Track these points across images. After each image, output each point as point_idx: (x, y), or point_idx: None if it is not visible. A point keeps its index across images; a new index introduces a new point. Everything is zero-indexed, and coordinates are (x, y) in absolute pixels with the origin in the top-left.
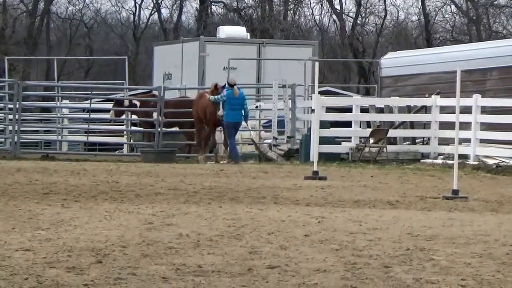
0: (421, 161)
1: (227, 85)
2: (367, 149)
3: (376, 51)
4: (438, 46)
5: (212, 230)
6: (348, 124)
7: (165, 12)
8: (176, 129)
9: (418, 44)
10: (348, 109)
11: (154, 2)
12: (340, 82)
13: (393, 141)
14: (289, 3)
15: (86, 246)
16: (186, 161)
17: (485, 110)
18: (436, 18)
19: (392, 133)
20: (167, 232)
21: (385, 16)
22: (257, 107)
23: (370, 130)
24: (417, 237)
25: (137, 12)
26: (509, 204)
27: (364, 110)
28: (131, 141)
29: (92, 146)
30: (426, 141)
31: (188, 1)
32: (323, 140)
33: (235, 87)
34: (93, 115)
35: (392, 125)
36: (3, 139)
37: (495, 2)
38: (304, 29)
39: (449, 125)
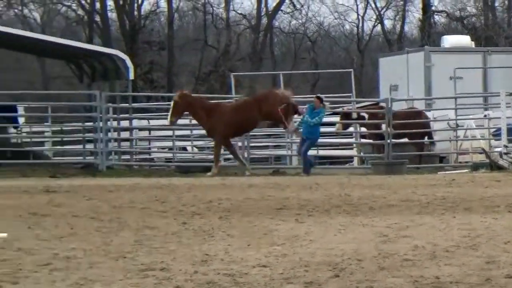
0: None
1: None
2: None
3: None
4: None
5: (448, 240)
6: None
7: (388, 23)
8: (405, 140)
9: None
10: None
11: (377, 13)
12: None
13: None
14: None
15: (323, 260)
16: (416, 172)
17: None
18: None
19: None
20: (402, 244)
21: None
22: (485, 116)
23: None
24: None
25: (360, 25)
26: None
27: None
28: (361, 153)
29: (323, 160)
30: None
31: (410, 12)
32: None
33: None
34: (323, 129)
35: None
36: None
37: None
38: None
39: None
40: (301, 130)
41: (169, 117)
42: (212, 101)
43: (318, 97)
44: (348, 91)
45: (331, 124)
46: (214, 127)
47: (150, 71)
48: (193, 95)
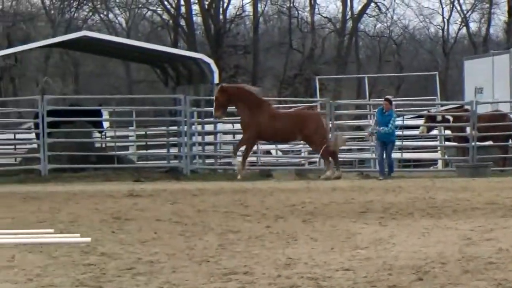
0: None
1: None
2: None
3: None
4: None
5: None
6: None
7: (473, 26)
8: (490, 143)
9: None
10: None
11: (462, 16)
12: None
13: None
14: None
15: (406, 264)
16: (501, 174)
17: None
18: None
19: None
20: (487, 247)
21: None
22: None
23: None
24: None
25: (445, 27)
26: None
27: None
28: (445, 156)
29: (407, 163)
30: None
31: (496, 14)
32: None
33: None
34: (406, 132)
35: None
36: (317, 159)
37: None
38: None
39: None
40: (378, 131)
41: (213, 112)
42: (259, 97)
43: (387, 99)
44: (433, 94)
45: (416, 127)
46: (249, 124)
47: (235, 75)
48: (237, 85)
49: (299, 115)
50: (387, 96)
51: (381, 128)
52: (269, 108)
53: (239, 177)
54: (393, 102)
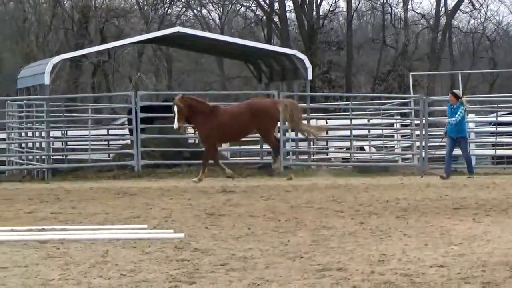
0: None
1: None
2: None
3: None
4: None
5: None
6: None
7: None
8: None
9: None
10: None
11: None
12: None
13: None
14: None
15: (500, 260)
16: None
17: None
18: None
19: None
20: None
21: None
22: None
23: None
24: None
25: None
26: None
27: None
28: None
29: (500, 160)
30: None
31: None
32: None
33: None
34: (500, 129)
35: None
36: (410, 155)
37: None
38: None
39: None
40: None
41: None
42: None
43: (454, 94)
44: None
45: (510, 123)
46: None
47: (328, 71)
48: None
49: (252, 107)
50: (453, 90)
51: (450, 119)
52: (222, 110)
53: (195, 179)
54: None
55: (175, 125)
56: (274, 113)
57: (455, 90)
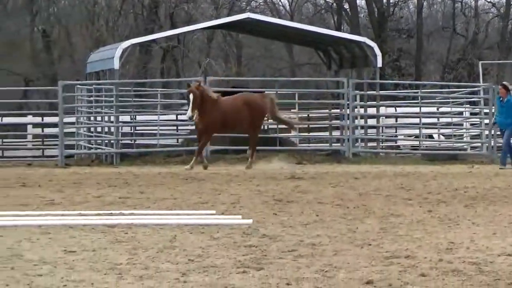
0: None
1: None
2: None
3: None
4: None
5: None
6: None
7: None
8: None
9: None
10: None
11: None
12: None
13: None
14: None
15: None
16: None
17: None
18: None
19: None
20: None
21: None
22: None
23: None
24: None
25: None
26: None
27: None
28: None
29: None
30: None
31: None
32: None
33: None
34: None
35: None
36: (479, 144)
37: None
38: None
39: None
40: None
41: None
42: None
43: (504, 86)
44: None
45: None
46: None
47: (398, 59)
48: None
49: (246, 101)
50: (503, 82)
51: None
52: (223, 101)
53: (187, 166)
54: None
55: (188, 114)
56: (266, 106)
57: (505, 83)
